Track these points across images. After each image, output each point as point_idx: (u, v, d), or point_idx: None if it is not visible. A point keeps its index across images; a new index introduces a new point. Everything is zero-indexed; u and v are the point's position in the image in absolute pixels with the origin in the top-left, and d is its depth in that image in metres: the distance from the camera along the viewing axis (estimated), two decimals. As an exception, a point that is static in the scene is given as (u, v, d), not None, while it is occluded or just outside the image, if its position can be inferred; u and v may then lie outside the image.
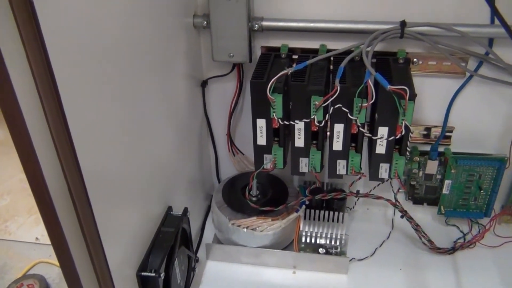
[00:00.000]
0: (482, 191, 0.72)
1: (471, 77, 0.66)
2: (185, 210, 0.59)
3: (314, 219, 0.72)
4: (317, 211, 0.71)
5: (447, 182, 0.70)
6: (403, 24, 0.60)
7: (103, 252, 0.42)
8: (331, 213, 0.71)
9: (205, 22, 0.64)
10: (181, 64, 0.64)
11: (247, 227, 0.67)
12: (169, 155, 0.61)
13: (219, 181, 0.82)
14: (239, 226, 0.67)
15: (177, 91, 0.63)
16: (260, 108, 0.60)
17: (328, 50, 0.64)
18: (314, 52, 0.65)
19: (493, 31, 0.60)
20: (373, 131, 0.59)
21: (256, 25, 0.64)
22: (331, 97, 0.56)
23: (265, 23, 0.64)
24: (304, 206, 0.70)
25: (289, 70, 0.57)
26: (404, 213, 0.68)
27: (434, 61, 0.65)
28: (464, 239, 0.74)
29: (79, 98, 0.38)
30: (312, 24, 0.63)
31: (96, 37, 0.40)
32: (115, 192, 0.45)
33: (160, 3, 0.55)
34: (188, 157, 0.70)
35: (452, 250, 0.72)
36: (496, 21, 0.58)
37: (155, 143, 0.56)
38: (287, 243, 0.72)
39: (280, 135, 0.62)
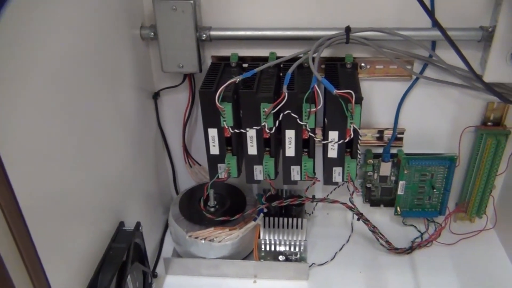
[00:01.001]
0: (435, 190, 0.73)
1: (417, 79, 0.67)
2: (138, 224, 0.57)
3: (273, 226, 0.71)
4: (276, 219, 0.71)
5: (401, 183, 0.72)
6: (347, 29, 0.61)
7: (44, 273, 0.40)
8: (290, 219, 0.71)
9: (152, 33, 0.64)
10: (131, 77, 0.63)
11: (204, 239, 0.66)
12: (120, 169, 0.60)
13: (177, 193, 0.81)
14: (196, 238, 0.66)
15: (127, 103, 0.62)
16: (211, 118, 0.60)
17: (278, 58, 0.64)
18: (265, 60, 0.66)
19: (435, 34, 0.61)
20: (324, 135, 0.60)
21: (204, 35, 0.63)
22: (280, 104, 0.56)
23: (213, 33, 0.64)
24: (262, 214, 0.70)
25: (237, 79, 0.57)
26: (360, 216, 0.68)
27: (381, 65, 0.67)
28: (422, 238, 0.75)
29: (9, 112, 0.36)
30: (259, 32, 0.64)
31: (34, 49, 0.39)
32: (57, 210, 0.44)
33: (104, 15, 0.54)
34: (143, 171, 0.69)
35: (410, 249, 0.73)
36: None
37: (104, 157, 0.54)
38: (248, 252, 0.71)
39: (232, 143, 0.62)
